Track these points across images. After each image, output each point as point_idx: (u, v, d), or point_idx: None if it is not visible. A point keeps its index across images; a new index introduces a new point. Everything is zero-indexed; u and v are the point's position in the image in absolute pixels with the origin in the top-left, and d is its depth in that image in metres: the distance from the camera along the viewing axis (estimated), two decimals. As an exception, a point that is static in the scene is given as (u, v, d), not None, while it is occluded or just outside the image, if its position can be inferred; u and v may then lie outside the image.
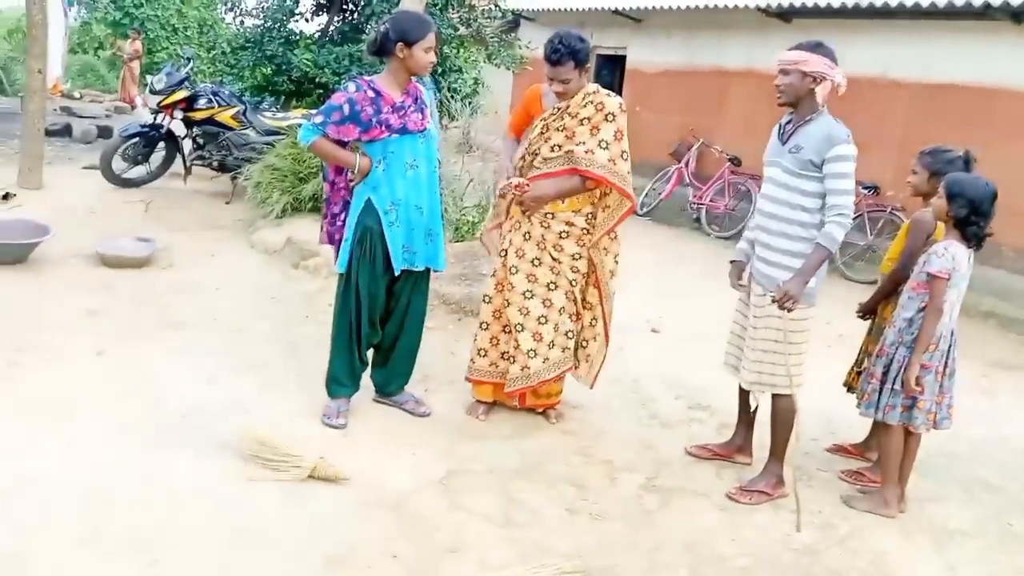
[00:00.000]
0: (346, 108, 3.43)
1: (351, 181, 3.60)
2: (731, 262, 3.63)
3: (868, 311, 3.81)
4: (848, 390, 3.90)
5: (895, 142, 8.01)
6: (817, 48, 3.19)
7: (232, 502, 2.97)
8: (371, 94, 3.47)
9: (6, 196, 6.92)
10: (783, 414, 3.37)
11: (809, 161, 3.16)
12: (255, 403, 3.75)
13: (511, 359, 3.77)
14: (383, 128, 3.48)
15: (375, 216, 3.55)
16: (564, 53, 3.46)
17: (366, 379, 3.88)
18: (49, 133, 9.35)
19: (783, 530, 3.22)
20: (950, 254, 3.21)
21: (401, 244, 3.60)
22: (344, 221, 3.67)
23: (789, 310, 3.16)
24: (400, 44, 3.41)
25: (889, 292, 3.64)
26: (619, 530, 3.12)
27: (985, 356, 5.86)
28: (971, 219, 3.21)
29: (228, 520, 2.86)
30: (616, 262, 3.84)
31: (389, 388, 3.92)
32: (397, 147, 3.53)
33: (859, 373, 3.76)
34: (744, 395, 3.63)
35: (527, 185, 3.62)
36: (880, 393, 3.37)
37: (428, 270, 3.76)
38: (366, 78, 3.55)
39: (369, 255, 3.57)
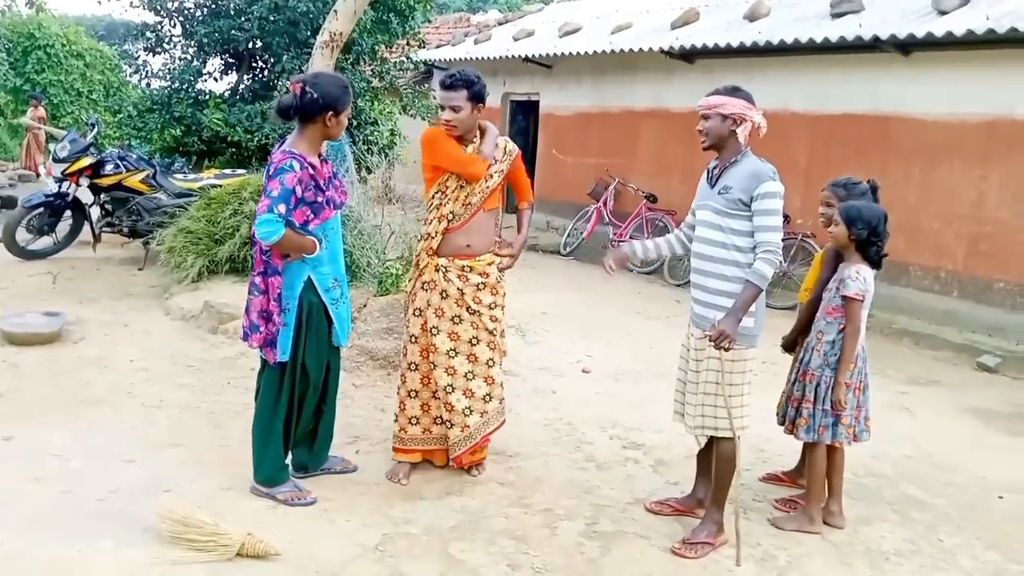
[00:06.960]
0: (299, 190, 3.19)
1: (287, 260, 3.30)
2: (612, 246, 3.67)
3: (791, 345, 3.85)
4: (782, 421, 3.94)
5: (800, 171, 8.33)
6: (735, 92, 3.23)
7: (155, 590, 2.80)
8: (310, 170, 3.24)
9: None
10: (725, 458, 3.29)
11: (738, 200, 3.16)
12: (177, 480, 3.57)
13: (448, 424, 3.69)
14: (331, 207, 3.33)
15: (316, 293, 3.38)
16: (458, 80, 3.49)
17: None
18: (-54, 206, 8.94)
19: (725, 565, 3.22)
20: (862, 276, 3.43)
21: (347, 319, 3.51)
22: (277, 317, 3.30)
23: (726, 349, 3.12)
24: (330, 113, 3.27)
25: (808, 321, 3.72)
26: (563, 582, 3.06)
27: (902, 373, 6.07)
28: (872, 240, 3.43)
29: (151, 611, 2.70)
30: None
31: (317, 463, 3.71)
32: (334, 222, 3.42)
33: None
34: (704, 448, 3.49)
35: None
36: (814, 416, 3.49)
37: None
38: (295, 152, 3.24)
39: (315, 335, 3.40)
